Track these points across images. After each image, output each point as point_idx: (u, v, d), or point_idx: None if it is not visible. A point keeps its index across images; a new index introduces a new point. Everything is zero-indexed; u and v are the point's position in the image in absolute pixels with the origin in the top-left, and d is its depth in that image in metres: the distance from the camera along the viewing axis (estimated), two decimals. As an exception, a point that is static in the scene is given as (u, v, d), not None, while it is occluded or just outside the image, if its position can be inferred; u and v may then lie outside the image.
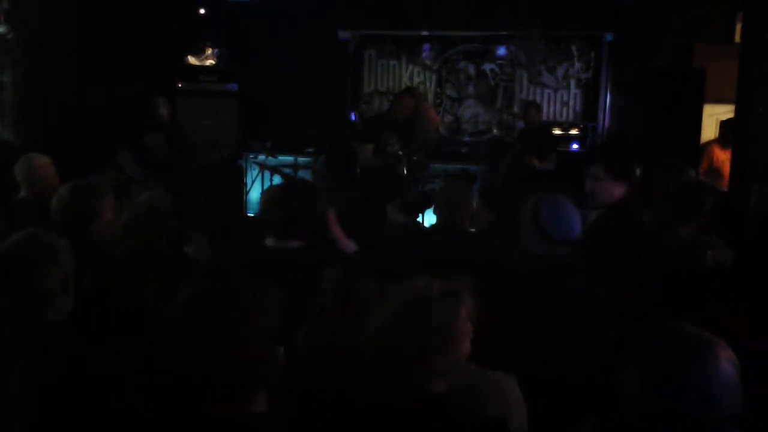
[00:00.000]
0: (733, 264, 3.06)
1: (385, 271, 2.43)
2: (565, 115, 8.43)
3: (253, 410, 1.49)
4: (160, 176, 5.95)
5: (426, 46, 8.61)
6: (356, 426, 1.77)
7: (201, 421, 1.46)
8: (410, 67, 8.71)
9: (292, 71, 8.23)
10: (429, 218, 5.16)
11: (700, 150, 6.60)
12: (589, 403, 2.10)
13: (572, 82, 8.39)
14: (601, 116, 8.29)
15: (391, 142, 6.11)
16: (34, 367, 1.64)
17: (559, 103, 8.44)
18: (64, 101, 6.30)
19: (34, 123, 6.08)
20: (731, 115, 5.77)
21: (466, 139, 8.67)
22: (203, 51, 7.97)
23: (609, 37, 8.13)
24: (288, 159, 7.50)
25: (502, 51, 8.48)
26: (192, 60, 7.97)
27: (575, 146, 7.79)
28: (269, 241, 2.90)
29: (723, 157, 6.19)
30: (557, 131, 7.82)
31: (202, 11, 8.13)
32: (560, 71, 8.40)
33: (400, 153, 6.12)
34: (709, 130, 7.03)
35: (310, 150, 7.70)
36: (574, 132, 7.89)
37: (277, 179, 7.00)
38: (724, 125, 6.35)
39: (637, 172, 4.39)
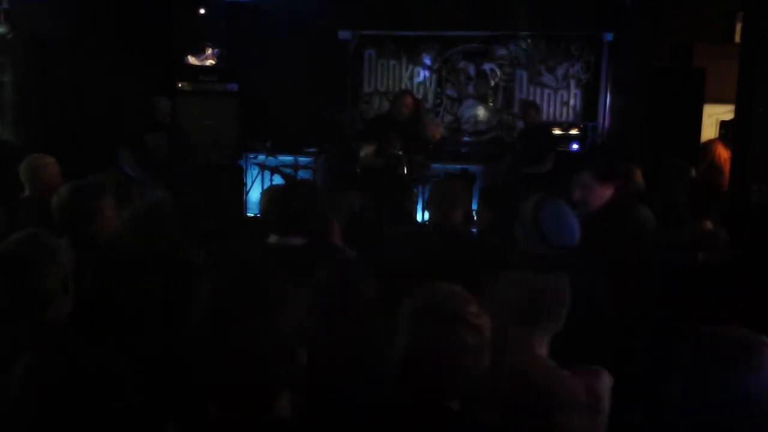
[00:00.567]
0: (733, 263, 3.06)
1: (384, 271, 2.43)
2: (565, 115, 8.44)
3: (278, 413, 1.46)
4: (160, 176, 5.95)
5: (427, 57, 8.60)
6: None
7: (223, 426, 1.44)
8: (410, 67, 8.71)
9: (292, 71, 8.22)
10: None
11: (701, 150, 6.60)
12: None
13: (572, 82, 8.39)
14: (601, 116, 8.29)
15: (393, 143, 6.11)
16: (34, 367, 1.63)
17: (559, 103, 8.45)
18: (64, 101, 6.30)
19: (34, 123, 6.08)
20: (731, 115, 5.78)
21: (466, 139, 8.67)
22: (203, 51, 7.97)
23: (609, 37, 8.14)
24: (288, 159, 7.51)
25: (502, 51, 8.49)
26: (192, 60, 7.97)
27: (575, 146, 7.79)
28: (272, 239, 2.91)
29: (726, 155, 6.20)
30: (557, 131, 7.82)
31: (202, 11, 8.12)
32: (560, 71, 8.40)
33: (400, 153, 6.12)
34: (709, 130, 7.04)
35: (310, 150, 7.70)
36: (574, 132, 7.88)
37: (277, 179, 7.00)
38: (725, 125, 6.35)
39: (637, 172, 4.39)
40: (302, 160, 7.52)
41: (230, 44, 8.26)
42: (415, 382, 1.72)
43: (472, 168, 7.75)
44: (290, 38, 8.25)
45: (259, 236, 3.07)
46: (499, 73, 8.53)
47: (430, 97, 8.69)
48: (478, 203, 4.04)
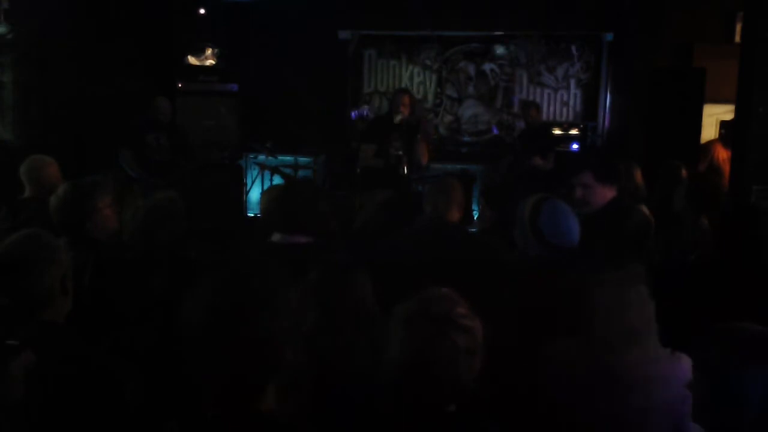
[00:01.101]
0: (733, 263, 3.06)
1: (380, 271, 2.43)
2: (565, 115, 8.44)
3: (264, 408, 1.48)
4: (160, 176, 5.95)
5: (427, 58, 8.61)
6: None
7: (223, 425, 1.46)
8: (410, 67, 8.72)
9: (292, 71, 8.23)
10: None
11: (701, 149, 6.60)
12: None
13: (572, 82, 8.39)
14: (601, 116, 8.29)
15: (394, 144, 6.11)
16: (34, 367, 1.63)
17: (559, 103, 8.45)
18: (64, 101, 6.30)
19: (34, 123, 6.08)
20: (731, 115, 5.77)
21: (466, 139, 8.67)
22: (203, 51, 7.97)
23: (609, 37, 8.14)
24: (288, 159, 7.51)
25: (502, 51, 8.49)
26: (192, 60, 7.97)
27: (575, 146, 7.79)
28: (276, 237, 2.91)
29: (725, 156, 6.20)
30: (557, 131, 7.82)
31: (202, 11, 8.13)
32: (560, 71, 8.40)
33: (400, 153, 6.12)
34: (709, 130, 7.03)
35: (310, 150, 7.70)
36: (574, 132, 7.89)
37: (277, 179, 7.00)
38: (724, 125, 6.35)
39: (638, 172, 4.40)
40: (302, 160, 7.52)
41: (230, 44, 8.26)
42: (408, 384, 1.72)
43: (472, 168, 7.76)
44: (290, 38, 8.25)
45: (260, 235, 3.07)
46: (499, 73, 8.53)
47: (430, 97, 8.70)
48: (478, 203, 4.04)
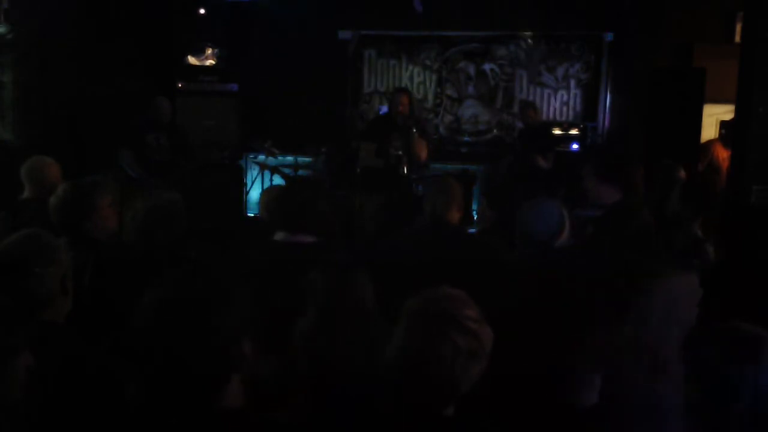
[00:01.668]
0: (733, 262, 3.07)
1: (379, 271, 2.43)
2: (565, 115, 8.44)
3: (229, 401, 1.51)
4: (161, 176, 5.95)
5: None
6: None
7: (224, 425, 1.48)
8: (410, 67, 8.72)
9: (292, 71, 8.23)
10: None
11: (701, 149, 6.60)
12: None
13: (572, 82, 8.39)
14: (601, 116, 8.29)
15: (394, 144, 6.11)
16: (34, 367, 1.64)
17: (559, 103, 8.45)
18: (64, 101, 6.30)
19: (34, 123, 6.07)
20: (731, 115, 5.77)
21: (466, 139, 8.67)
22: (203, 51, 7.97)
23: (609, 37, 8.14)
24: (288, 159, 7.51)
25: (502, 51, 8.49)
26: (192, 60, 7.97)
27: (575, 146, 7.79)
28: (278, 236, 2.91)
29: (724, 155, 6.20)
30: (557, 131, 7.82)
31: (202, 11, 8.13)
32: (560, 71, 8.40)
33: (400, 153, 6.12)
34: (709, 130, 7.03)
35: (310, 150, 7.70)
36: (574, 132, 7.88)
37: (277, 179, 7.00)
38: (724, 125, 6.35)
39: (639, 171, 4.39)
40: (302, 160, 7.53)
41: (230, 44, 8.26)
42: (406, 384, 1.72)
43: (472, 168, 7.76)
44: (290, 38, 8.25)
45: (262, 235, 3.07)
46: (499, 73, 8.53)
47: (430, 97, 8.70)
48: (479, 203, 4.05)
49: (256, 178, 7.50)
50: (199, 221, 3.52)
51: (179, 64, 7.90)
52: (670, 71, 7.27)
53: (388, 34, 8.66)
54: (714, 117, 7.02)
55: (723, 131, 6.56)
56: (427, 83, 8.70)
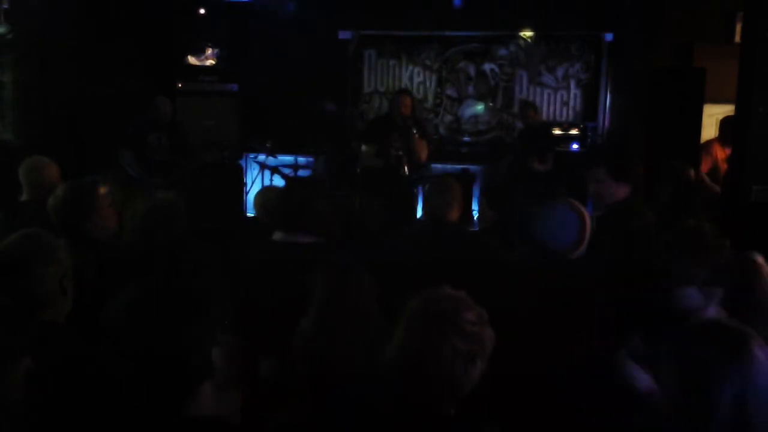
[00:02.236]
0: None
1: (380, 271, 2.43)
2: (565, 115, 8.44)
3: (200, 404, 1.51)
4: (161, 176, 5.95)
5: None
6: None
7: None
8: (410, 67, 8.72)
9: (292, 71, 8.22)
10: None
11: (701, 149, 6.59)
12: (589, 402, 2.10)
13: (572, 82, 8.39)
14: (601, 116, 8.29)
15: (395, 144, 6.11)
16: (34, 367, 1.64)
17: (559, 103, 8.45)
18: (64, 101, 6.30)
19: (34, 123, 6.07)
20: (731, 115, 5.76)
21: (466, 139, 8.67)
22: (203, 51, 7.97)
23: (609, 37, 8.14)
24: (288, 159, 7.51)
25: (502, 51, 8.49)
26: (192, 60, 7.97)
27: (575, 146, 7.79)
28: (277, 236, 2.91)
29: (723, 155, 6.19)
30: (557, 131, 7.82)
31: (202, 11, 8.13)
32: (560, 71, 8.40)
33: (401, 153, 6.13)
34: (709, 130, 7.02)
35: (310, 150, 7.70)
36: (574, 132, 7.88)
37: (277, 179, 7.00)
38: (723, 123, 6.34)
39: (640, 170, 4.39)
40: (302, 160, 7.53)
41: (230, 44, 8.26)
42: (405, 383, 1.72)
43: (472, 168, 7.76)
44: (290, 38, 8.25)
45: (259, 235, 3.07)
46: (499, 73, 8.53)
47: (430, 97, 8.70)
48: (479, 203, 4.04)
49: (256, 178, 7.50)
50: (199, 221, 3.52)
51: (179, 64, 7.90)
52: (670, 71, 7.27)
53: (388, 34, 8.66)
54: (714, 117, 7.01)
55: (722, 131, 6.54)
56: (427, 83, 8.70)
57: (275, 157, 7.44)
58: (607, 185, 3.38)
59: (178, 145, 6.33)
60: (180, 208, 2.99)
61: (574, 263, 2.72)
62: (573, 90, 8.40)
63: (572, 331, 2.43)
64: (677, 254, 2.56)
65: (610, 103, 8.25)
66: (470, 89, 8.62)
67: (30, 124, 6.06)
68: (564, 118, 8.38)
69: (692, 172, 4.60)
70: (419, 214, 6.68)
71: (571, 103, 8.42)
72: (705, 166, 6.27)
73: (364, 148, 6.39)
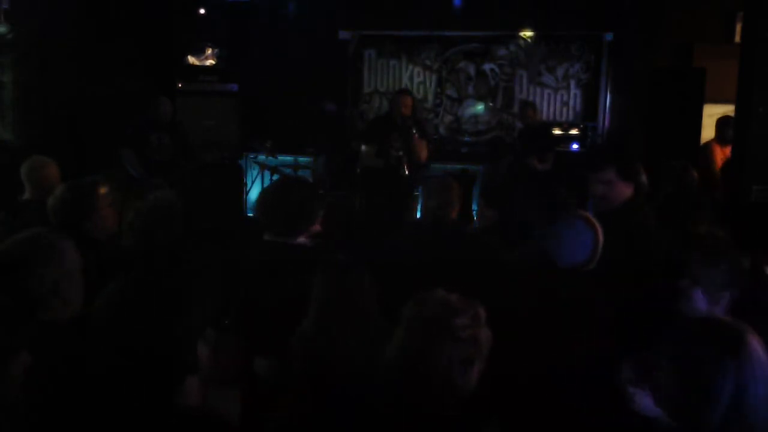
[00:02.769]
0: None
1: (379, 271, 2.43)
2: (565, 115, 8.44)
3: (186, 398, 1.51)
4: (161, 176, 5.94)
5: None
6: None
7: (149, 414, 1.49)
8: (410, 67, 8.72)
9: (292, 71, 8.23)
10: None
11: (701, 150, 6.59)
12: (589, 403, 2.10)
13: (572, 82, 8.39)
14: (601, 116, 8.29)
15: (395, 144, 6.11)
16: (33, 367, 1.64)
17: (559, 103, 8.45)
18: (64, 101, 6.30)
19: (34, 123, 6.08)
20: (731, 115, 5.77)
21: (466, 139, 8.67)
22: (203, 51, 7.97)
23: (609, 37, 8.14)
24: (288, 159, 7.51)
25: (502, 51, 8.49)
26: (192, 60, 7.97)
27: (575, 146, 7.79)
28: (267, 236, 2.90)
29: (721, 155, 6.20)
30: (557, 131, 7.82)
31: (202, 11, 8.13)
32: (560, 71, 8.40)
33: (401, 153, 6.13)
34: (709, 130, 7.02)
35: (310, 150, 7.71)
36: (574, 132, 7.88)
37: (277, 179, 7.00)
38: (720, 123, 6.34)
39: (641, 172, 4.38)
40: (302, 160, 7.53)
41: (230, 44, 8.26)
42: (405, 386, 1.72)
43: (472, 168, 7.76)
44: (290, 38, 8.25)
45: (259, 235, 3.06)
46: (499, 73, 8.53)
47: (430, 97, 8.70)
48: (479, 203, 4.04)
49: (256, 178, 7.50)
50: (199, 221, 3.52)
51: (179, 64, 7.90)
52: (670, 71, 7.27)
53: (388, 34, 8.66)
54: (714, 117, 7.01)
55: (720, 129, 6.53)
56: (427, 83, 8.70)
57: (275, 157, 7.44)
58: (616, 186, 3.35)
59: (179, 145, 6.33)
60: (179, 207, 2.99)
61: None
62: (573, 90, 8.40)
63: (572, 331, 2.43)
64: (686, 257, 2.55)
65: (610, 103, 8.25)
66: (470, 89, 8.62)
67: (30, 124, 6.06)
68: (564, 118, 8.38)
69: (695, 173, 4.60)
70: (419, 214, 6.69)
71: (571, 103, 8.42)
72: (708, 166, 6.27)
73: (364, 148, 6.40)
